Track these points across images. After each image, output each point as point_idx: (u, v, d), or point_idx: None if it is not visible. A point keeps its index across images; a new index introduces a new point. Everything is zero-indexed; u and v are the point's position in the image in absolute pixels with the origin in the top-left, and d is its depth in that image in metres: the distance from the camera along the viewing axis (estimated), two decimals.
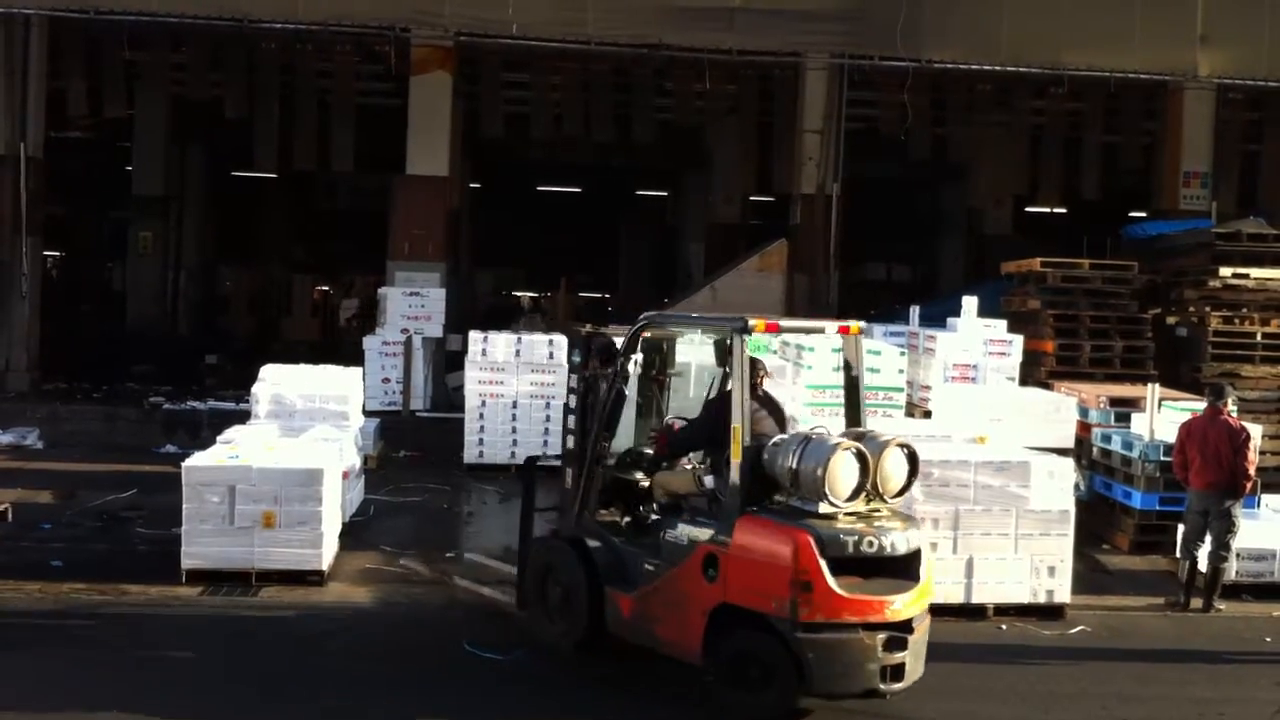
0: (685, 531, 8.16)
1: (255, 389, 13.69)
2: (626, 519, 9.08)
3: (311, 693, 8.09)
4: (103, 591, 10.06)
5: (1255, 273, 16.78)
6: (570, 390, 9.26)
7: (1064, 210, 25.88)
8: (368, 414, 15.33)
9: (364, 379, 15.54)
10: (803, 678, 7.51)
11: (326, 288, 31.11)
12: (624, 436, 9.26)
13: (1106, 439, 13.32)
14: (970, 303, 16.00)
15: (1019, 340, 15.59)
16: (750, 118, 22.12)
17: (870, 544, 7.60)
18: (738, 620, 7.72)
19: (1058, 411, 13.32)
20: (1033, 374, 16.04)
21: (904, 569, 7.75)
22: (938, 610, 10.01)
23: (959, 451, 10.65)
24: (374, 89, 22.53)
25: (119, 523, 12.39)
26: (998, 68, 20.72)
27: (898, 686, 7.64)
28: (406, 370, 18.03)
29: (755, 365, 8.65)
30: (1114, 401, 14.01)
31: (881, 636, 7.53)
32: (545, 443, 15.80)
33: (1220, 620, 10.68)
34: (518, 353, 15.92)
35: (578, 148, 23.91)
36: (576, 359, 9.24)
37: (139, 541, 11.75)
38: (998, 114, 22.32)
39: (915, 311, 16.95)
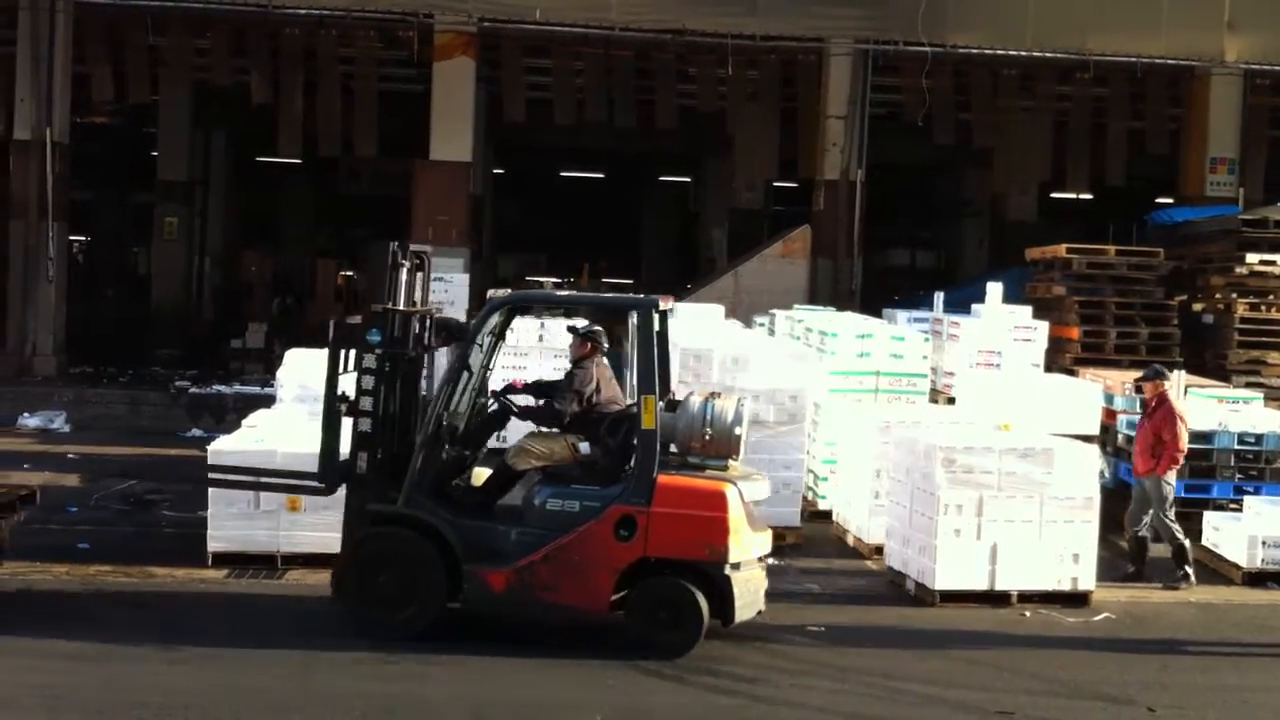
0: (577, 498, 8.64)
1: (279, 373, 13.73)
2: (461, 493, 9.05)
3: (339, 675, 8.14)
4: (129, 574, 10.14)
5: None
6: (365, 370, 8.95)
7: (1089, 196, 25.74)
8: None
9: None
10: (725, 610, 8.55)
11: (351, 273, 31.16)
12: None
13: (1132, 426, 13.24)
14: (995, 289, 15.93)
15: (1044, 327, 15.51)
16: (773, 103, 22.05)
17: (753, 492, 8.85)
18: (654, 572, 8.55)
19: (1082, 398, 13.27)
20: (1057, 360, 15.98)
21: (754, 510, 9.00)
22: (962, 597, 10.11)
23: (983, 438, 10.63)
24: (397, 75, 22.54)
25: (145, 506, 12.46)
26: (1022, 53, 20.64)
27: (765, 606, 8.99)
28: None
29: (600, 336, 9.37)
30: (1139, 388, 13.94)
31: (764, 567, 9.00)
32: None
33: (1245, 609, 10.65)
34: (541, 338, 15.89)
35: (600, 133, 23.88)
36: (375, 338, 8.95)
37: (165, 524, 11.84)
38: (1022, 99, 22.21)
39: (939, 298, 16.89)
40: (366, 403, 8.92)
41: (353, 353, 9.12)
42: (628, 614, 8.64)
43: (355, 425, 8.97)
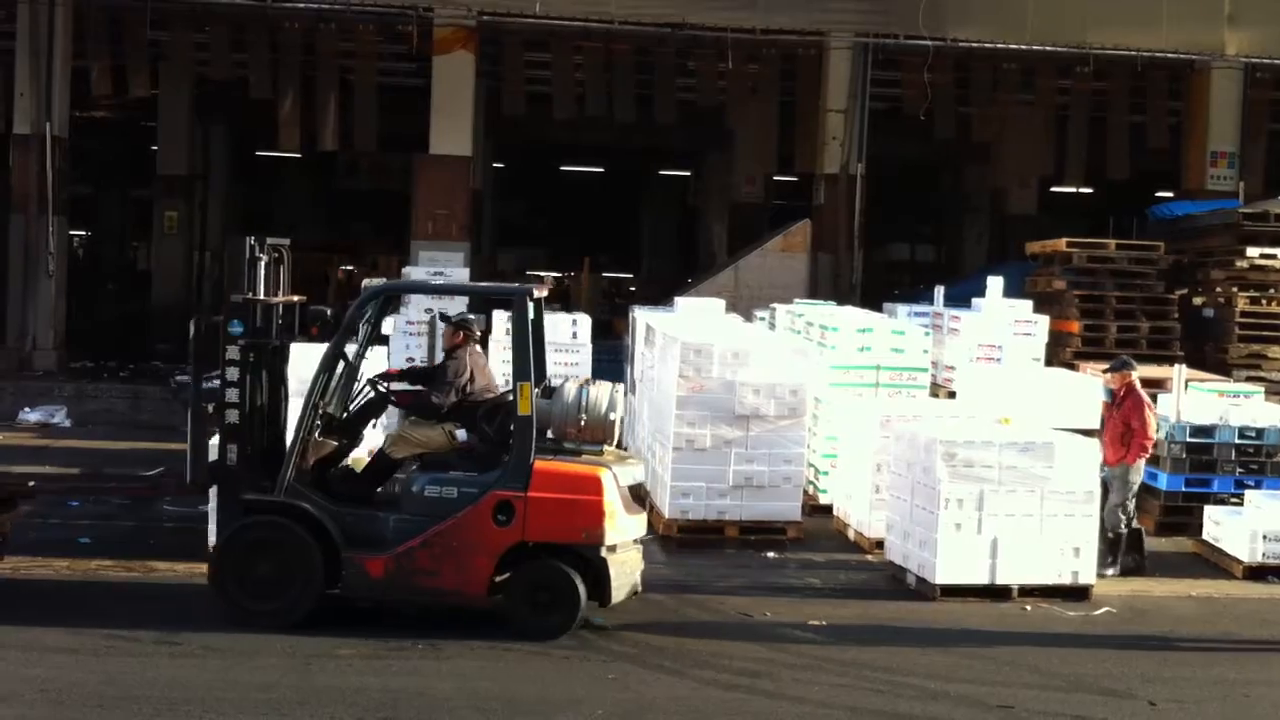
0: (455, 485, 8.82)
1: (285, 369, 13.72)
2: (339, 481, 9.19)
3: (340, 669, 8.14)
4: (130, 568, 10.15)
5: None
6: (229, 362, 9.01)
7: (1089, 190, 25.72)
8: None
9: (388, 358, 15.55)
10: (602, 592, 8.78)
11: (350, 267, 31.20)
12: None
13: None
14: (995, 283, 15.93)
15: (1044, 321, 15.52)
16: (773, 97, 22.03)
17: (629, 476, 9.06)
18: (532, 555, 8.77)
19: (1083, 392, 13.26)
20: (1058, 355, 15.98)
21: (634, 493, 9.27)
22: (962, 591, 10.12)
23: (983, 432, 10.64)
24: (397, 69, 22.52)
25: (146, 501, 12.44)
26: (1023, 47, 20.59)
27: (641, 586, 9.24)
28: (430, 349, 18.02)
29: (472, 324, 9.56)
30: (1140, 383, 13.92)
31: (639, 548, 9.19)
32: None
33: (1246, 603, 10.66)
34: None
35: (600, 128, 23.87)
36: (237, 329, 9.04)
37: (166, 519, 11.83)
38: (1023, 93, 22.19)
39: (940, 292, 16.89)
40: (232, 394, 8.98)
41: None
42: (507, 597, 8.86)
43: (223, 418, 9.04)
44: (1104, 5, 20.13)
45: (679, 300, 17.07)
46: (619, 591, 8.90)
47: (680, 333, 12.24)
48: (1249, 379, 15.42)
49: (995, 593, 10.17)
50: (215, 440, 9.27)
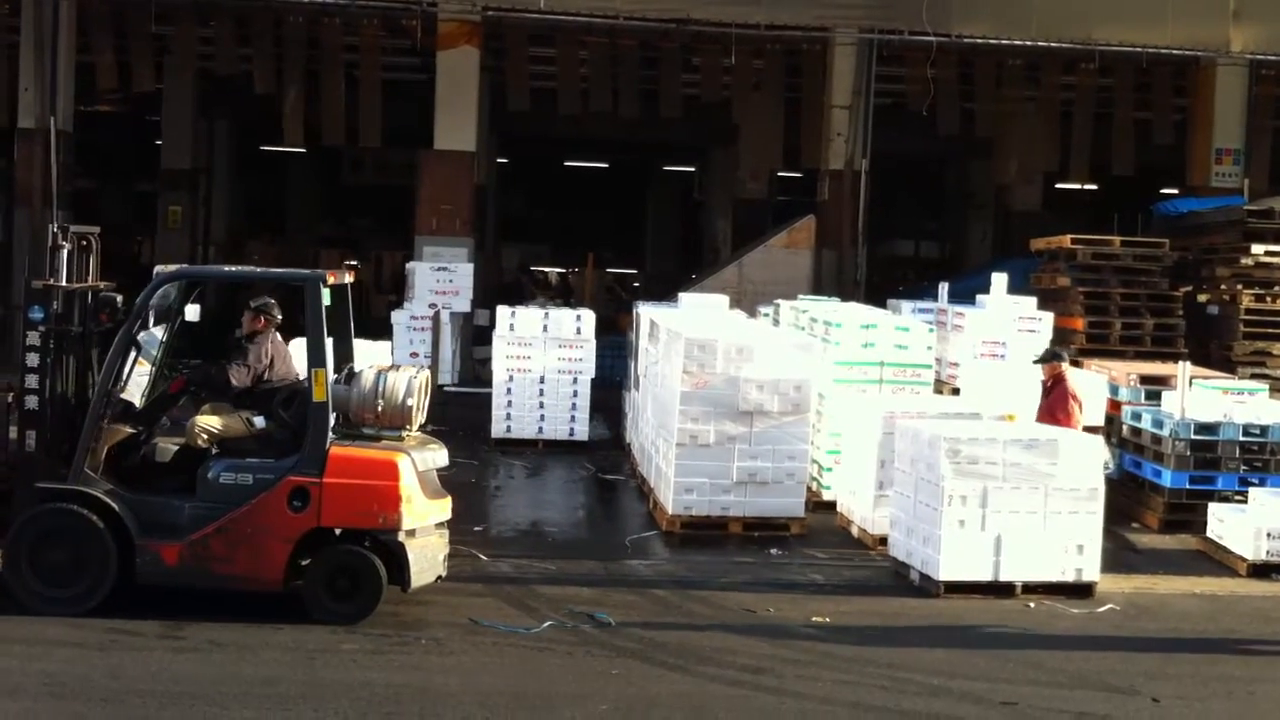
0: (250, 471, 8.85)
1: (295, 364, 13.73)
2: (137, 469, 9.16)
3: (343, 664, 8.15)
4: None
5: None
6: (29, 348, 8.99)
7: (1094, 187, 25.70)
8: None
9: (392, 353, 15.58)
10: (402, 576, 8.79)
11: (355, 262, 31.24)
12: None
13: (1137, 417, 13.25)
14: (999, 280, 15.93)
15: (1048, 318, 15.50)
16: (778, 93, 22.02)
17: (429, 462, 9.11)
18: (332, 542, 8.81)
19: (1087, 389, 13.24)
20: None
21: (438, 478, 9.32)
22: (966, 587, 10.11)
23: (987, 429, 10.63)
24: (401, 64, 22.51)
25: None
26: (1027, 43, 20.56)
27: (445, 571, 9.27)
28: (434, 345, 18.05)
29: (272, 309, 9.53)
30: (1144, 379, 13.92)
31: (444, 534, 9.23)
32: (573, 417, 15.84)
33: (1250, 600, 10.65)
34: (545, 328, 15.92)
35: (604, 123, 23.86)
36: (37, 315, 8.98)
37: None
38: (1027, 89, 22.16)
39: (944, 288, 16.88)
40: (31, 380, 8.97)
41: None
42: (306, 583, 8.87)
43: (21, 405, 9.03)
44: (1109, 1, 20.10)
45: (683, 296, 17.07)
46: (420, 576, 8.93)
47: (684, 328, 12.23)
48: (1253, 376, 15.38)
49: (999, 589, 10.16)
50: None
